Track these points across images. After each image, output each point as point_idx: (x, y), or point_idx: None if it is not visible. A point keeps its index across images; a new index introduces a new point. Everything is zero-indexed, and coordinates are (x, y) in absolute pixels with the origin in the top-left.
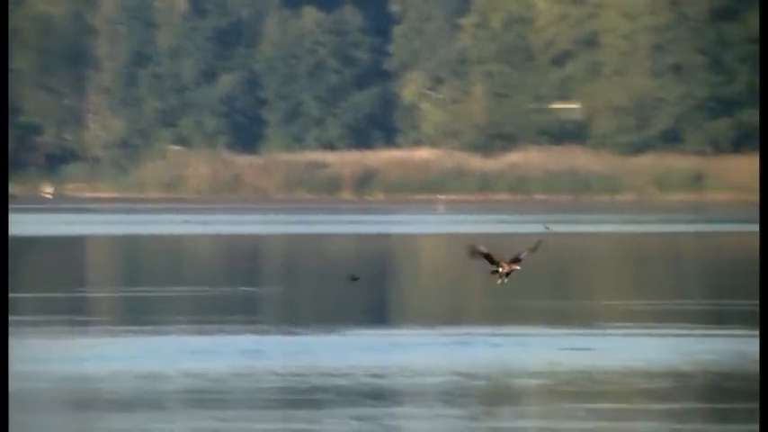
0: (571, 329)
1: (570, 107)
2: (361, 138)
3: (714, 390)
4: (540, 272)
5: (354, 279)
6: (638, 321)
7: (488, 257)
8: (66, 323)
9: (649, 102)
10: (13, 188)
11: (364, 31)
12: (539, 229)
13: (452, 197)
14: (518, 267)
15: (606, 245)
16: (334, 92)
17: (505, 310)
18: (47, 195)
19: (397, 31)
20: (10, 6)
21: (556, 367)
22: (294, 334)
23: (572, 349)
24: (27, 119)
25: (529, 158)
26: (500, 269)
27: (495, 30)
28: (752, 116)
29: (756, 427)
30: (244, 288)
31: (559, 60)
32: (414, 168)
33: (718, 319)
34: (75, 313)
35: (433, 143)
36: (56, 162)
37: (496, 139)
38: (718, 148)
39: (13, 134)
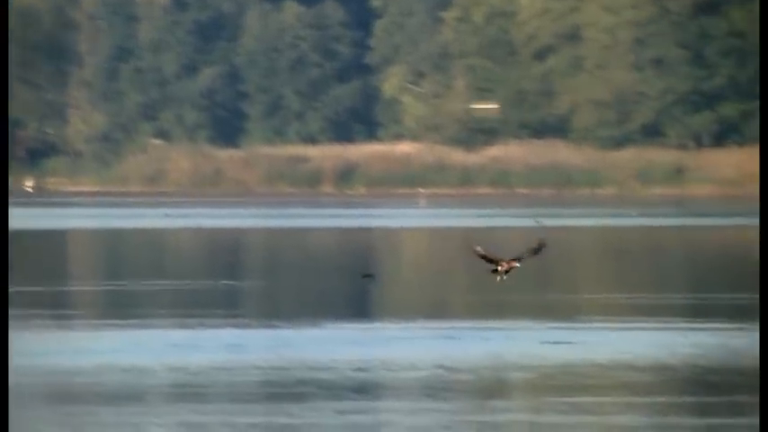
0: (555, 323)
1: (489, 107)
2: (342, 131)
3: (698, 383)
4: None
5: (368, 276)
6: (622, 315)
7: (485, 258)
8: (49, 317)
9: (631, 96)
10: None
11: (345, 25)
12: (521, 222)
13: (434, 191)
14: (518, 264)
15: (588, 239)
16: (315, 86)
17: (489, 304)
18: (28, 189)
19: (379, 25)
20: None
21: (540, 361)
22: (276, 328)
23: (556, 343)
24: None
25: (510, 152)
26: (499, 267)
27: (476, 24)
28: (733, 110)
29: (744, 420)
30: (225, 282)
31: (541, 54)
32: (395, 162)
33: (701, 312)
34: (57, 307)
35: (415, 137)
36: (37, 156)
37: (478, 132)
38: (699, 142)
39: None
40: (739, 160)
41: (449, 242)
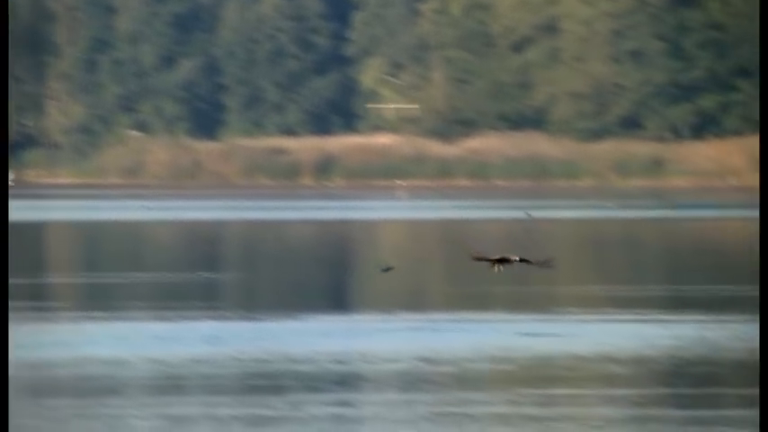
0: (534, 315)
1: (408, 107)
2: (321, 123)
3: (678, 375)
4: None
5: (387, 269)
6: (601, 307)
7: (484, 259)
8: (27, 309)
9: (609, 88)
10: None
11: (324, 17)
12: (500, 214)
13: (412, 183)
14: (517, 258)
15: (567, 231)
16: (293, 77)
17: (468, 296)
18: None
19: (357, 16)
20: None
21: (519, 353)
22: (256, 320)
23: (535, 335)
24: None
25: (489, 144)
26: (495, 257)
27: (454, 16)
28: (711, 102)
29: (725, 412)
30: (204, 274)
31: (519, 46)
32: (374, 154)
33: (680, 304)
34: (35, 299)
35: (393, 129)
36: (16, 148)
37: (456, 124)
38: (677, 133)
39: None
40: (718, 152)
41: (428, 234)
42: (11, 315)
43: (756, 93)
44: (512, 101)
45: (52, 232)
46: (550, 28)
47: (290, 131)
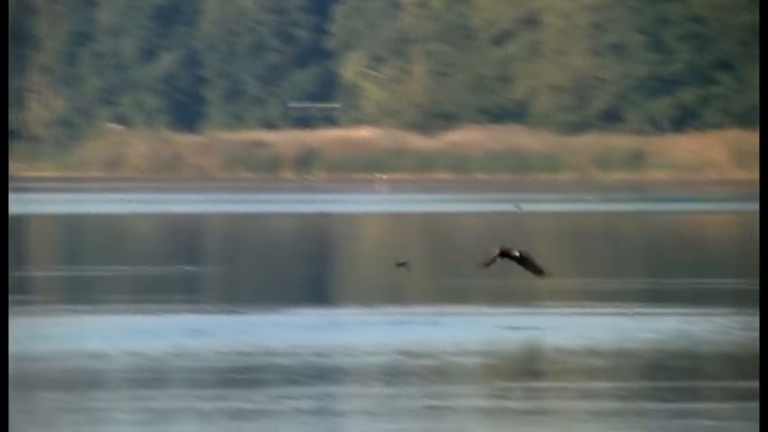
0: (514, 309)
1: (330, 106)
2: (301, 117)
3: (660, 368)
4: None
5: (402, 264)
6: (581, 300)
7: (501, 255)
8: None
9: (589, 81)
10: None
11: (304, 10)
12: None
13: (393, 176)
14: (517, 254)
15: (547, 224)
16: (274, 71)
17: (448, 290)
18: None
19: (338, 10)
20: None
21: (500, 346)
22: (236, 313)
23: (516, 328)
24: None
25: (469, 137)
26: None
27: (435, 9)
28: (692, 95)
29: (707, 405)
30: (185, 267)
31: (500, 40)
32: (354, 147)
33: (661, 297)
34: (15, 293)
35: (374, 122)
36: None
37: (437, 118)
38: (658, 127)
39: None
40: (698, 145)
41: (409, 227)
42: None
43: (737, 86)
44: (492, 94)
45: (33, 225)
46: (531, 21)
47: (270, 125)
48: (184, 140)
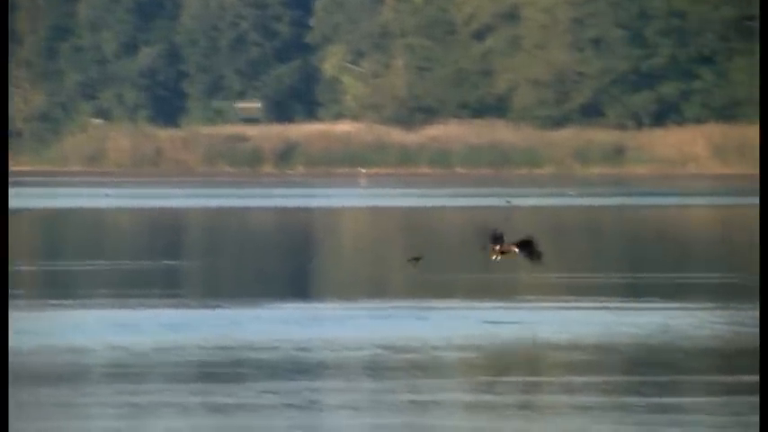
0: (495, 303)
1: (252, 106)
2: (282, 111)
3: (641, 362)
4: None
5: (415, 259)
6: (563, 295)
7: (494, 238)
8: None
9: (570, 75)
10: None
11: (285, 4)
12: (463, 202)
13: (374, 170)
14: (516, 250)
15: (527, 218)
16: (255, 65)
17: (429, 284)
18: None
19: (319, 4)
20: None
21: (482, 341)
22: (217, 307)
23: (497, 323)
24: None
25: (450, 132)
26: (497, 246)
27: (416, 3)
28: (673, 89)
29: (688, 399)
30: (166, 262)
31: (480, 34)
32: (335, 142)
33: (643, 292)
34: None
35: (355, 116)
36: None
37: (417, 112)
38: (638, 121)
39: None
40: (679, 140)
41: (389, 221)
42: None
43: (718, 81)
44: (473, 88)
45: (13, 220)
46: (512, 16)
47: (251, 119)
48: (165, 135)
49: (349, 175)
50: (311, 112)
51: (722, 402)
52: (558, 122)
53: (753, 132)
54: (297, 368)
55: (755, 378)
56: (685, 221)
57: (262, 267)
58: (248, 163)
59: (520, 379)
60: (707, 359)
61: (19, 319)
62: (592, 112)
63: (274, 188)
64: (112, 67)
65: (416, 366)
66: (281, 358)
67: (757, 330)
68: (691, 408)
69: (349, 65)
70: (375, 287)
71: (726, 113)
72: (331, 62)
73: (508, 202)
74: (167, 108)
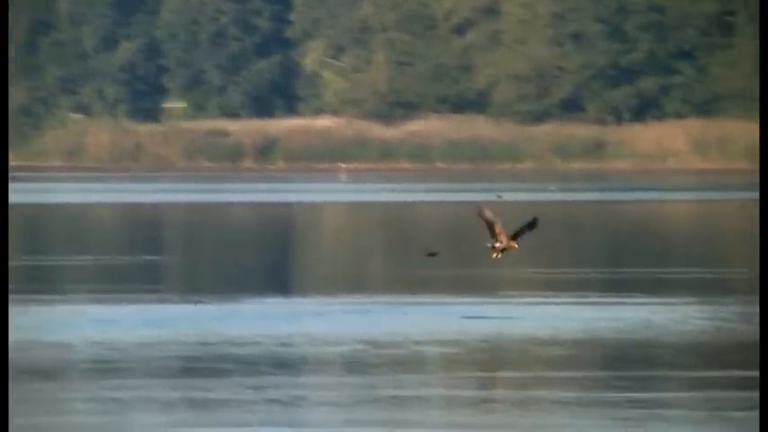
0: (477, 298)
1: (178, 106)
2: (262, 106)
3: (621, 358)
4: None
5: (432, 254)
6: (543, 290)
7: (490, 226)
8: None
9: (550, 70)
10: None
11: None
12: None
13: (354, 165)
14: (516, 246)
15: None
16: (235, 60)
17: (409, 279)
18: None
19: None
20: None
21: (461, 336)
22: (198, 303)
23: (477, 318)
24: None
25: (430, 127)
26: (497, 244)
27: None
28: (652, 84)
29: (667, 394)
30: (146, 257)
31: (461, 29)
32: (315, 137)
33: (621, 287)
34: None
35: (335, 111)
36: None
37: (398, 107)
38: (618, 116)
39: None
40: (659, 135)
41: (370, 216)
42: None
43: (697, 75)
44: (453, 83)
45: None
46: (491, 10)
47: (231, 114)
48: (145, 129)
49: (329, 170)
50: (291, 107)
51: (704, 398)
52: (539, 117)
53: (733, 127)
54: (278, 363)
55: (737, 373)
56: (666, 216)
57: (242, 262)
58: (228, 158)
59: (500, 374)
60: (689, 354)
61: None
62: (571, 107)
63: (255, 183)
64: (92, 61)
65: (398, 361)
66: (263, 353)
67: (739, 326)
68: (672, 403)
69: (329, 60)
70: (356, 282)
71: (706, 108)
72: (311, 57)
73: (499, 197)
74: (147, 103)
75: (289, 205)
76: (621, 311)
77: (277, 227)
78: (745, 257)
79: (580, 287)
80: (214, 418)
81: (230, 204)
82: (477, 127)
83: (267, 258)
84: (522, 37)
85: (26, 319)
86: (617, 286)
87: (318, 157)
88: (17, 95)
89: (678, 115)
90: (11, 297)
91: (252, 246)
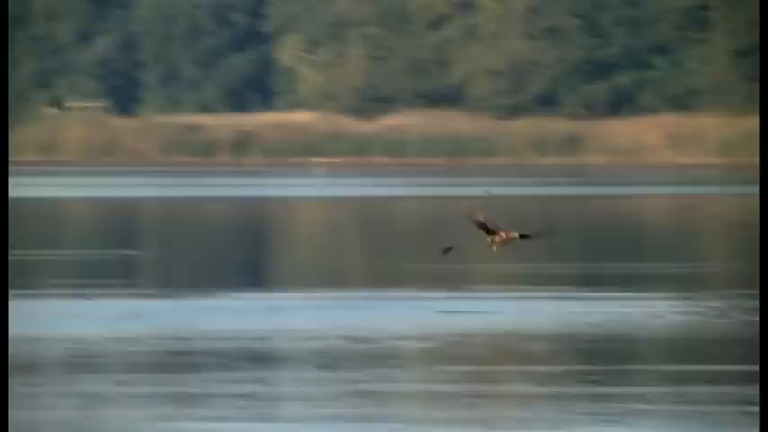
0: (453, 293)
1: (90, 106)
2: (238, 101)
3: (594, 352)
4: (419, 235)
5: (448, 250)
6: (518, 285)
7: (484, 227)
8: None
9: (525, 65)
10: None
11: None
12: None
13: (330, 160)
14: (516, 235)
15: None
16: (211, 54)
17: (385, 273)
18: None
19: None
20: None
21: (437, 330)
22: (175, 298)
23: (453, 312)
24: None
25: (406, 122)
26: (497, 238)
27: None
28: (627, 79)
29: (638, 389)
30: (123, 252)
31: (436, 23)
32: (291, 131)
33: (598, 281)
34: None
35: (311, 106)
36: None
37: (373, 101)
38: (593, 111)
39: None
40: (633, 129)
41: (346, 211)
42: None
43: (672, 70)
44: (429, 78)
45: None
46: (467, 5)
47: (206, 108)
48: (121, 124)
49: (305, 165)
50: (267, 102)
51: (679, 392)
52: (514, 112)
53: (707, 122)
54: (255, 358)
55: (714, 367)
56: (641, 211)
57: (218, 257)
58: (204, 152)
59: (476, 369)
60: (666, 349)
61: None
62: (547, 102)
63: (230, 178)
64: (67, 56)
65: (373, 356)
66: (239, 348)
67: (716, 320)
68: (648, 397)
69: (305, 54)
70: (332, 277)
71: (680, 103)
72: (287, 52)
73: (487, 192)
74: (122, 97)
75: (264, 200)
76: (598, 306)
77: (253, 222)
78: (720, 252)
79: (556, 281)
80: (189, 412)
81: (206, 199)
82: (453, 121)
83: (243, 253)
84: (497, 32)
85: None
86: (594, 281)
87: (294, 152)
88: None
89: (653, 110)
90: None
91: (228, 240)
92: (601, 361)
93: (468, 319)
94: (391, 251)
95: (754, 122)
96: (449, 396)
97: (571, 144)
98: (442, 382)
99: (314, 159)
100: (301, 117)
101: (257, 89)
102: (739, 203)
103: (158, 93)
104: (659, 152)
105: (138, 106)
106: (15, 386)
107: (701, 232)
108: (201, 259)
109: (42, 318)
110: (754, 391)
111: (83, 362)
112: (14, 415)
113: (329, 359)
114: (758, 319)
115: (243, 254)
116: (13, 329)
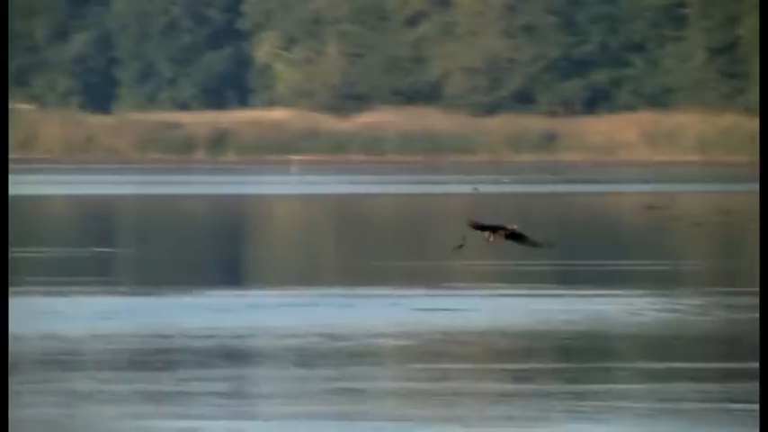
0: (430, 290)
1: (27, 107)
2: (214, 98)
3: (570, 350)
4: (396, 232)
5: (460, 246)
6: (494, 282)
7: (485, 228)
8: None
9: (502, 62)
10: None
11: None
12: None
13: (307, 158)
14: (516, 227)
15: (461, 205)
16: (187, 51)
17: (363, 271)
18: None
19: None
20: None
21: (413, 328)
22: (152, 295)
23: (429, 310)
24: None
25: (383, 119)
26: (496, 235)
27: None
28: (603, 77)
29: (614, 386)
30: (99, 249)
31: (413, 20)
32: (268, 129)
33: (574, 279)
34: None
35: (287, 103)
36: None
37: (350, 99)
38: (570, 108)
39: None
40: (610, 127)
41: (323, 209)
42: None
43: (649, 68)
44: (406, 75)
45: None
46: (444, 2)
47: (183, 106)
48: (97, 121)
49: (281, 163)
50: (243, 99)
51: (657, 389)
52: (491, 109)
53: (684, 119)
54: (232, 356)
55: (688, 365)
56: (618, 208)
57: (195, 255)
58: (180, 150)
59: (452, 366)
60: (645, 346)
61: None
62: (524, 99)
63: (207, 175)
64: (44, 53)
65: (350, 354)
66: (217, 346)
67: (696, 318)
68: (622, 394)
69: (281, 52)
70: (310, 274)
71: (657, 101)
72: (263, 49)
73: (476, 189)
74: (99, 94)
75: (241, 198)
76: (576, 303)
77: (230, 219)
78: (699, 250)
79: (533, 279)
80: (166, 410)
81: (183, 196)
82: (430, 119)
83: (221, 250)
84: (474, 29)
85: None
86: (571, 278)
87: (271, 149)
88: None
89: (630, 107)
90: None
91: (205, 238)
92: (578, 358)
93: (446, 316)
94: (368, 249)
95: (730, 120)
96: (426, 394)
97: (548, 141)
98: (420, 379)
99: (291, 157)
100: (278, 114)
101: (234, 86)
102: (717, 201)
103: (135, 90)
104: (636, 149)
105: (115, 103)
106: None
107: (679, 230)
108: (179, 257)
109: (20, 316)
110: (734, 388)
111: (61, 359)
112: None
113: (307, 357)
114: (739, 316)
115: (220, 251)
116: None
